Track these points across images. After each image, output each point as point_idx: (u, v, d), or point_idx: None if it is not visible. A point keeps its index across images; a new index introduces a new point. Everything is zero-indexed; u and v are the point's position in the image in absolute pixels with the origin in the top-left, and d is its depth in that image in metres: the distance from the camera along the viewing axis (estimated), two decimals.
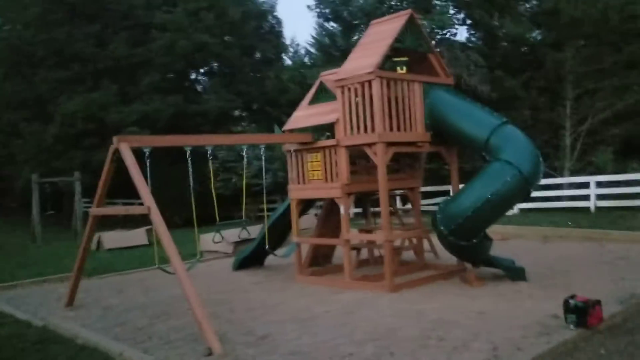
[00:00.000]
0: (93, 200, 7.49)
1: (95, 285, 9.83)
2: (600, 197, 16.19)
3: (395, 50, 8.09)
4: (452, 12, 20.45)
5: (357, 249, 9.64)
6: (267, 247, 8.26)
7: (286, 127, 8.95)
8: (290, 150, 8.65)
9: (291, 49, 27.84)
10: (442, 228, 7.42)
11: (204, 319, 5.57)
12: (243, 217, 9.02)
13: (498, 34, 18.18)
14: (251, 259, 10.56)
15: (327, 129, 8.80)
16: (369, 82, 7.64)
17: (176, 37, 24.02)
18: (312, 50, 26.11)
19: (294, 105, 25.27)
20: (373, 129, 7.67)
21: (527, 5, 18.67)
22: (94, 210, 7.26)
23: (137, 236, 17.10)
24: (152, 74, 24.21)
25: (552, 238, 11.27)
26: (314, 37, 25.26)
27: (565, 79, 17.38)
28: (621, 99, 17.37)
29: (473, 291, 7.43)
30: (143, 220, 24.87)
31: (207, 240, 13.30)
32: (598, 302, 5.20)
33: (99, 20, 25.39)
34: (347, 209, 8.24)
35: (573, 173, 17.61)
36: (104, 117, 22.64)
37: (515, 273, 7.87)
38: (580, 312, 5.05)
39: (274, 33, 29.83)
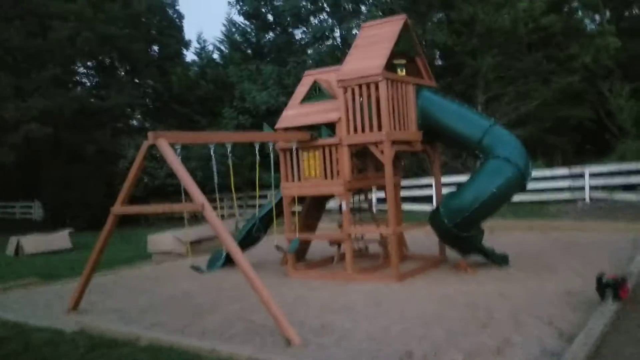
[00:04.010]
0: None
1: (67, 290, 9.25)
2: None
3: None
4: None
5: (339, 243, 9.99)
6: (276, 243, 8.36)
7: (279, 125, 9.09)
8: (290, 149, 8.79)
9: (198, 45, 27.38)
10: (445, 221, 8.01)
11: (278, 311, 5.67)
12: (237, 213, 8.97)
13: (420, 41, 19.35)
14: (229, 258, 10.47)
15: (315, 128, 9.06)
16: (376, 83, 8.05)
17: (78, 29, 22.71)
18: (222, 47, 25.92)
19: (205, 102, 25.12)
20: (379, 128, 8.09)
21: (440, 15, 20.03)
22: (118, 209, 6.95)
23: (59, 240, 16.08)
24: (53, 66, 22.67)
25: (498, 229, 12.36)
26: (224, 34, 25.11)
27: (477, 85, 18.94)
28: (523, 104, 19.30)
29: (472, 277, 8.11)
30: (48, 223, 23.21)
31: (157, 241, 12.95)
32: (624, 278, 6.05)
33: None
34: (348, 205, 8.59)
35: None
36: None
37: (500, 259, 8.69)
38: (615, 287, 5.85)
39: (176, 27, 29.14)
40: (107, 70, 26.18)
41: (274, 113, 19.52)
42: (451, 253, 9.12)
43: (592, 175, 16.56)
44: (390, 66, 8.45)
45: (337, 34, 21.63)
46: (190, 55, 30.10)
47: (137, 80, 26.53)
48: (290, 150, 8.85)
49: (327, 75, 9.25)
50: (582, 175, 16.68)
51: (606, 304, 5.84)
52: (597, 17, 23.35)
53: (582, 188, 16.63)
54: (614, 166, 16.22)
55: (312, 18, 20.94)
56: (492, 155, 8.00)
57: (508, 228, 12.51)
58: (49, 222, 24.90)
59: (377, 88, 8.06)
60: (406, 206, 15.31)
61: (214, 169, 7.26)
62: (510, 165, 7.80)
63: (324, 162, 8.62)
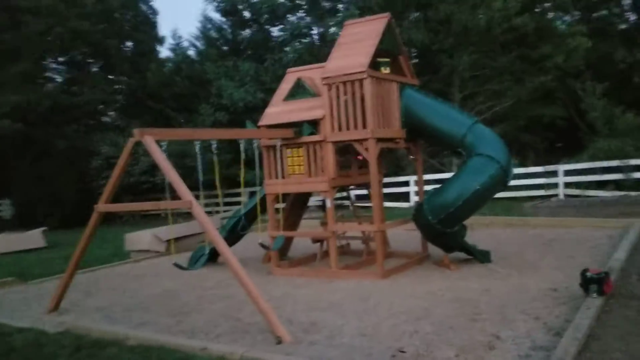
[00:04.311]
0: None
1: (45, 289, 9.05)
2: None
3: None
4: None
5: (321, 241, 9.99)
6: (260, 241, 8.32)
7: (263, 122, 9.04)
8: (274, 146, 8.75)
9: (172, 41, 27.08)
10: (430, 217, 8.07)
11: (269, 309, 5.64)
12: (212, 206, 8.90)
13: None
14: (213, 254, 10.40)
15: (296, 125, 9.03)
16: (361, 80, 8.07)
17: (51, 24, 22.28)
18: (198, 43, 25.70)
19: (180, 99, 24.87)
20: (364, 126, 8.11)
21: (417, 14, 20.16)
22: (102, 207, 6.82)
23: (32, 239, 15.74)
24: (23, 62, 22.17)
25: (477, 226, 12.50)
26: (200, 30, 24.90)
27: (453, 83, 19.13)
28: (498, 102, 19.58)
29: (455, 274, 8.18)
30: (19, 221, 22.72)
31: (135, 239, 12.77)
32: (607, 273, 6.18)
33: None
34: (332, 202, 8.59)
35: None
36: None
37: (483, 256, 8.79)
38: (599, 282, 5.97)
39: (150, 23, 28.77)
40: (80, 66, 25.72)
41: (251, 110, 19.44)
42: (434, 250, 9.20)
43: (566, 172, 16.93)
44: (374, 64, 8.48)
45: (314, 31, 21.66)
46: (165, 52, 29.80)
47: (110, 77, 26.13)
48: (274, 148, 8.81)
49: (311, 73, 9.23)
50: (556, 173, 17.03)
51: (591, 299, 5.96)
52: (567, 17, 23.78)
53: (556, 185, 16.98)
54: (586, 164, 16.59)
55: (289, 15, 20.93)
56: (475, 153, 8.08)
57: (486, 225, 12.66)
58: (20, 220, 24.36)
59: (361, 86, 8.08)
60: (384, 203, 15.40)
61: (199, 166, 7.17)
62: (493, 163, 7.88)
63: (308, 160, 8.61)
